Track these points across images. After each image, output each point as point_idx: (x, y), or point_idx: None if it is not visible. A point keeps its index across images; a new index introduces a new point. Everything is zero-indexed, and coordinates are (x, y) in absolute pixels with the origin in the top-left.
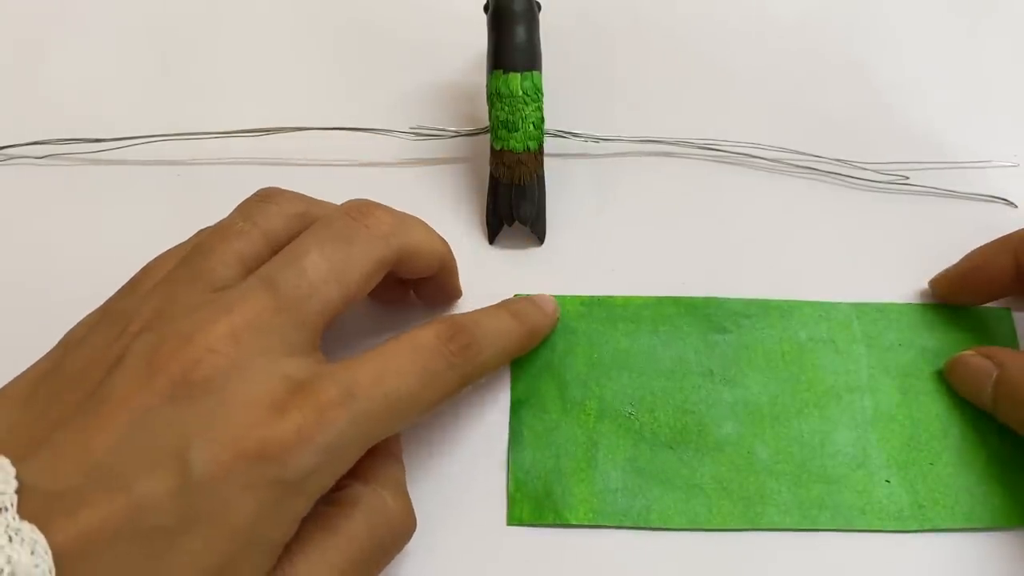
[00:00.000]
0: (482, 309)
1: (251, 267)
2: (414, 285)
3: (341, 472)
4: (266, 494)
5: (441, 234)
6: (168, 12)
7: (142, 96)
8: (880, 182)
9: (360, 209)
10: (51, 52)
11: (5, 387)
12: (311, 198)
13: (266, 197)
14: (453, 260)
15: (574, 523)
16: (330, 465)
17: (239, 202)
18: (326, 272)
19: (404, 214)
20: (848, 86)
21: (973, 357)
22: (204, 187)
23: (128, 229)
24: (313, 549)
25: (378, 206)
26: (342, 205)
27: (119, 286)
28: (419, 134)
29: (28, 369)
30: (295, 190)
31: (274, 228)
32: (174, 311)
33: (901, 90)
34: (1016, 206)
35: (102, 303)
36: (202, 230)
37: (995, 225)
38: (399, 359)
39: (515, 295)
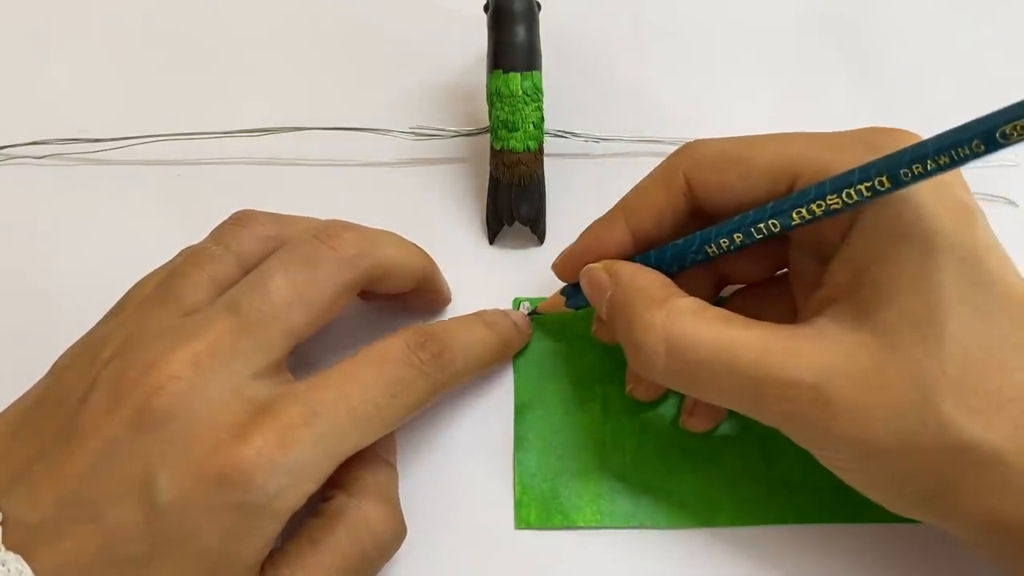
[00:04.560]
0: (455, 318)
1: (223, 291)
2: (400, 294)
3: (312, 489)
4: (232, 517)
5: (438, 234)
6: (168, 12)
7: (142, 96)
8: None
9: (328, 231)
10: (51, 52)
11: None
12: (285, 218)
13: (239, 220)
14: (433, 272)
15: (582, 525)
16: (297, 484)
17: (238, 203)
18: (290, 295)
19: (376, 232)
20: (847, 85)
21: (597, 270)
22: (204, 187)
23: (128, 228)
24: (296, 563)
25: (347, 227)
26: (312, 227)
27: (118, 286)
28: (419, 134)
29: (19, 398)
30: (291, 192)
31: (247, 251)
32: (142, 337)
33: (901, 89)
34: (1017, 205)
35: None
36: (184, 249)
37: (996, 225)
38: (365, 371)
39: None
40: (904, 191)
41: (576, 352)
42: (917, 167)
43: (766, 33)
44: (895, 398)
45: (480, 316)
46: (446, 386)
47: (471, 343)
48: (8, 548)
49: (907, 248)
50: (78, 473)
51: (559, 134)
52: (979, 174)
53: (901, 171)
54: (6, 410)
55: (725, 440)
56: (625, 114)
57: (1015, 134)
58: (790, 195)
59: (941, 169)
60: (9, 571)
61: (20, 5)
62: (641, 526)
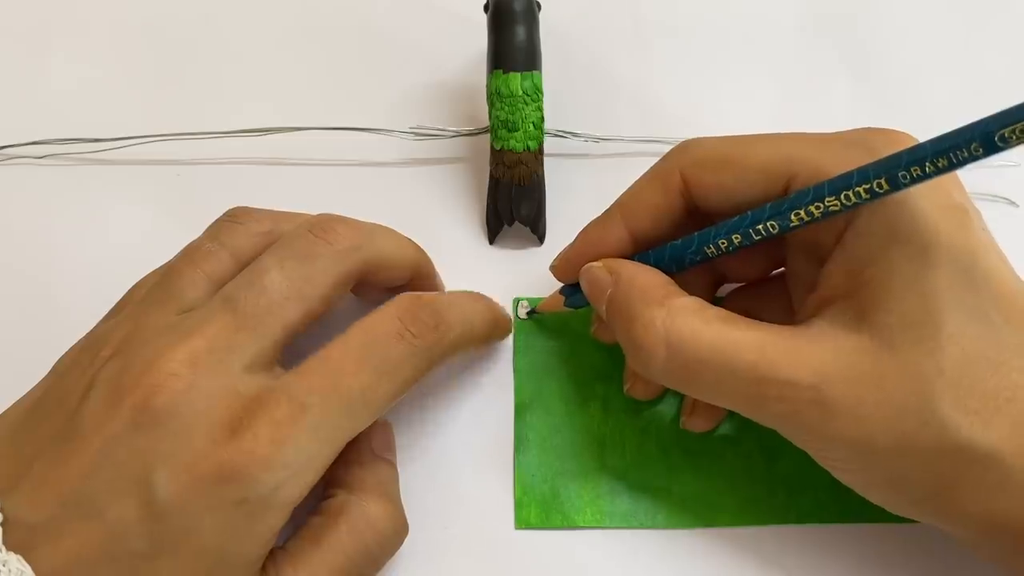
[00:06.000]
0: (450, 291)
1: (219, 287)
2: (394, 290)
3: (313, 480)
4: (231, 513)
5: (438, 234)
6: (168, 12)
7: (142, 96)
8: None
9: (322, 225)
10: (51, 52)
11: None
12: (280, 213)
13: (234, 217)
14: (428, 266)
15: (582, 525)
16: (297, 477)
17: (237, 203)
18: (286, 289)
19: (371, 225)
20: (847, 85)
21: (597, 269)
22: (204, 187)
23: (128, 229)
24: (299, 561)
25: (341, 220)
26: (306, 221)
27: (119, 286)
28: (419, 134)
29: (19, 399)
30: (291, 192)
31: (241, 247)
32: (141, 336)
33: (901, 89)
34: (1017, 205)
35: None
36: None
37: (996, 225)
38: (353, 355)
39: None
40: (900, 193)
41: (576, 352)
42: (915, 169)
43: (766, 33)
44: (893, 399)
45: (473, 292)
46: (441, 358)
47: (469, 314)
48: (9, 548)
49: (902, 250)
50: (79, 472)
51: (559, 134)
52: (979, 174)
53: (899, 173)
54: (6, 411)
55: (726, 440)
56: (625, 114)
57: (1013, 137)
58: (788, 197)
59: (939, 172)
60: (10, 571)
61: (20, 5)
62: (641, 526)
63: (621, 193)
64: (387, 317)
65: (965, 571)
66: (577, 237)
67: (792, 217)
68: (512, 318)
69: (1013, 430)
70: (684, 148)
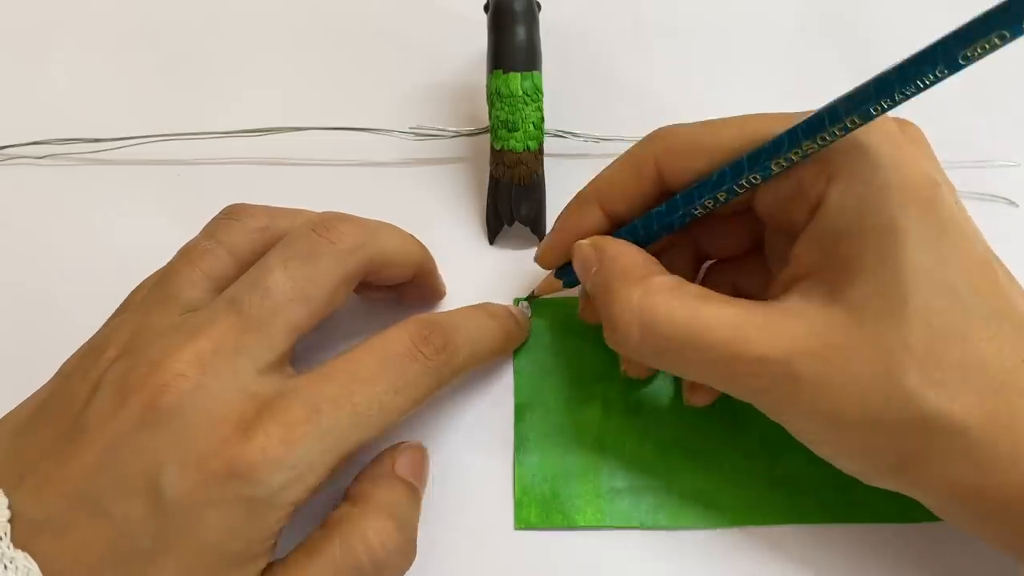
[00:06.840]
0: (458, 309)
1: (219, 285)
2: (396, 288)
3: (315, 483)
4: (237, 511)
5: (438, 234)
6: (168, 12)
7: (142, 96)
8: None
9: (325, 224)
10: (51, 52)
11: (5, 417)
12: (277, 209)
13: (230, 214)
14: (430, 263)
15: (582, 525)
16: (301, 479)
17: (237, 202)
18: (290, 290)
19: (374, 223)
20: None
21: (587, 246)
22: (204, 187)
23: (128, 229)
24: (293, 571)
25: (344, 219)
26: (309, 220)
27: (119, 286)
28: (419, 134)
29: (25, 400)
30: (291, 192)
31: (239, 244)
32: (145, 337)
33: None
34: (1017, 205)
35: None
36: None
37: (995, 225)
38: (368, 367)
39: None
40: (870, 168)
41: (576, 352)
42: (886, 101)
43: (766, 33)
44: (860, 373)
45: (483, 308)
46: (450, 378)
47: (475, 334)
48: (16, 546)
49: (872, 226)
50: (85, 470)
51: (559, 134)
52: (979, 174)
53: (871, 108)
54: (12, 412)
55: (726, 440)
56: (625, 114)
57: (975, 56)
58: (764, 146)
59: (908, 98)
60: (17, 568)
61: (20, 5)
62: (641, 526)
63: (591, 179)
64: (402, 336)
65: (965, 571)
66: (555, 225)
67: (773, 167)
68: (530, 317)
69: (978, 400)
70: (657, 137)
